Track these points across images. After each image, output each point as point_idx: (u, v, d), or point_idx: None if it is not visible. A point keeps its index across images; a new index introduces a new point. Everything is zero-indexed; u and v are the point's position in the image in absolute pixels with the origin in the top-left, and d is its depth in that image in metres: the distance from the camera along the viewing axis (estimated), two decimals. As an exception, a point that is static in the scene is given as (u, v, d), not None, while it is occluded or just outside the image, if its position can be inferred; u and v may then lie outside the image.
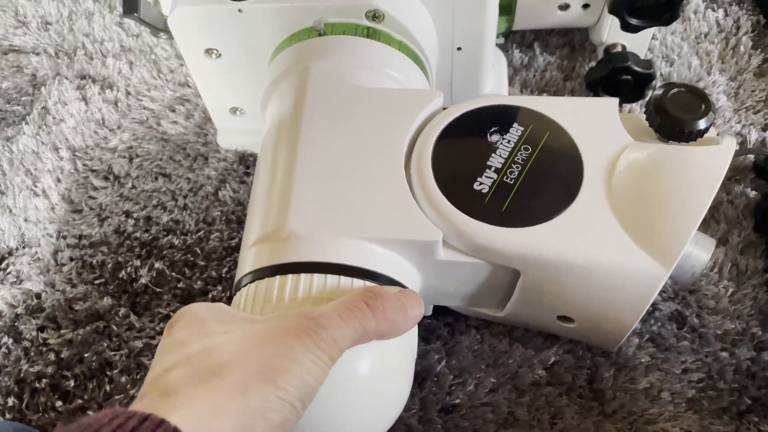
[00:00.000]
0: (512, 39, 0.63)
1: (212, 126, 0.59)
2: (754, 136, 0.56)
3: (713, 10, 0.63)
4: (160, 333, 0.49)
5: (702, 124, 0.39)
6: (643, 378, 0.45)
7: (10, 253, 0.54)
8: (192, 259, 0.52)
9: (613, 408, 0.44)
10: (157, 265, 0.52)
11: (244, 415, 0.25)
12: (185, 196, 0.56)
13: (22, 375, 0.48)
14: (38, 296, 0.51)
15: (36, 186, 0.57)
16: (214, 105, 0.55)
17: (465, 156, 0.39)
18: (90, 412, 0.46)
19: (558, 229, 0.36)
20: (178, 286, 0.51)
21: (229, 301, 0.49)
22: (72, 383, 0.47)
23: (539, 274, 0.37)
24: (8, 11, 0.69)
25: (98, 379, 0.47)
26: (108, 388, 0.47)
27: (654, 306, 0.47)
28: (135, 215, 0.55)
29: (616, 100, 0.41)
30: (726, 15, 0.63)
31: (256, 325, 0.29)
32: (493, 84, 0.56)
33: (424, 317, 0.45)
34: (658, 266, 0.35)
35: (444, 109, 0.42)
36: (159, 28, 0.50)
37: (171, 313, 0.50)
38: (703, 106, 0.40)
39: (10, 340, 0.49)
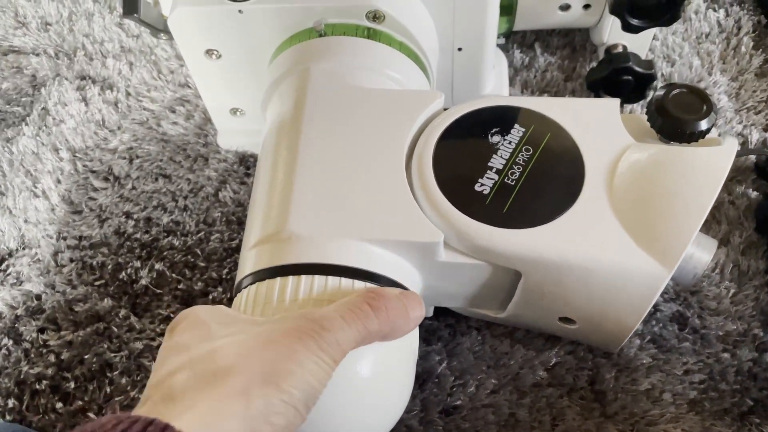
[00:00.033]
0: (513, 39, 0.63)
1: (212, 127, 0.59)
2: (755, 136, 0.56)
3: (714, 10, 0.63)
4: (161, 334, 0.49)
5: (704, 124, 0.39)
6: (645, 379, 0.45)
7: (10, 255, 0.54)
8: (192, 260, 0.52)
9: (614, 409, 0.44)
10: (157, 266, 0.52)
11: (248, 419, 0.25)
12: (185, 197, 0.56)
13: (22, 376, 0.48)
14: (38, 297, 0.51)
15: (36, 187, 0.57)
16: (215, 106, 0.55)
17: (466, 157, 0.39)
18: (90, 414, 0.46)
19: (559, 231, 0.36)
20: (179, 287, 0.51)
21: (229, 302, 0.49)
22: (72, 385, 0.47)
23: (541, 276, 0.37)
24: (8, 12, 0.69)
25: (98, 381, 0.47)
26: (108, 390, 0.47)
27: (655, 307, 0.47)
28: (135, 216, 0.55)
29: (617, 101, 0.41)
30: (727, 15, 0.63)
31: (258, 328, 0.29)
32: (494, 85, 0.56)
33: (425, 318, 0.45)
34: (659, 267, 0.35)
35: (445, 109, 0.42)
36: (159, 28, 0.50)
37: (171, 315, 0.50)
38: (705, 107, 0.40)
39: (10, 342, 0.49)
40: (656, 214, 0.36)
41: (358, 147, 0.39)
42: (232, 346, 0.28)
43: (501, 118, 0.41)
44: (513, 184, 0.38)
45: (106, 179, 0.57)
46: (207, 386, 0.26)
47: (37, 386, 0.47)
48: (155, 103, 0.61)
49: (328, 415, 0.32)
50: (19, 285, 0.52)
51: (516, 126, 0.40)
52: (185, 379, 0.26)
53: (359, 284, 0.35)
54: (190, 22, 0.45)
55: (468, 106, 0.41)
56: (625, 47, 0.56)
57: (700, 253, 0.40)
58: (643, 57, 0.56)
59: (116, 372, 0.47)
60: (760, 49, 0.61)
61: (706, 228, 0.51)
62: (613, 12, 0.51)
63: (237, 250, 0.52)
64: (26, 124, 0.61)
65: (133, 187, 0.57)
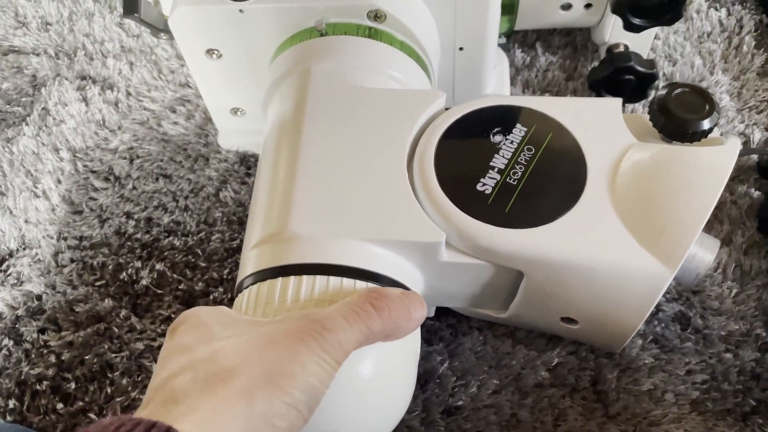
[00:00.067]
0: (514, 39, 0.63)
1: (213, 127, 0.58)
2: (757, 135, 0.56)
3: (716, 9, 0.63)
4: (162, 335, 0.49)
5: (706, 124, 0.39)
6: (647, 379, 0.45)
7: (11, 255, 0.54)
8: (193, 260, 0.52)
9: (616, 410, 0.44)
10: (158, 266, 0.52)
11: (251, 421, 0.25)
12: (186, 197, 0.55)
13: (22, 377, 0.48)
14: (39, 298, 0.51)
15: (36, 187, 0.57)
16: (215, 106, 0.54)
17: (468, 157, 0.39)
18: (91, 415, 0.46)
19: (561, 230, 0.36)
20: (180, 287, 0.51)
21: (230, 302, 0.49)
22: (73, 385, 0.47)
23: (543, 276, 0.37)
24: (8, 12, 0.69)
25: (99, 381, 0.47)
26: (109, 390, 0.47)
27: (657, 307, 0.47)
28: (136, 216, 0.55)
29: (619, 101, 0.41)
30: (729, 14, 0.63)
31: (259, 329, 0.29)
32: (495, 84, 0.56)
33: (427, 318, 0.45)
34: (662, 267, 0.35)
35: (446, 109, 0.42)
36: (159, 28, 0.50)
37: (172, 315, 0.50)
38: (707, 106, 0.40)
39: (11, 342, 0.49)
40: (659, 214, 0.36)
41: (359, 147, 0.39)
42: (234, 347, 0.28)
43: (503, 117, 0.41)
44: (515, 183, 0.38)
45: (106, 179, 0.57)
46: (209, 388, 0.26)
47: (38, 387, 0.47)
48: (156, 103, 0.61)
49: (330, 415, 0.32)
50: (20, 285, 0.52)
51: (518, 126, 0.40)
52: (187, 381, 0.26)
53: (361, 284, 0.34)
54: (190, 21, 0.45)
55: (469, 105, 0.41)
56: (626, 46, 0.56)
57: (703, 253, 0.40)
58: (645, 56, 0.56)
59: (117, 372, 0.47)
60: (762, 48, 0.61)
61: (708, 228, 0.51)
62: (614, 11, 0.51)
63: (238, 250, 0.52)
64: (26, 124, 0.61)
65: (134, 187, 0.56)
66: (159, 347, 0.48)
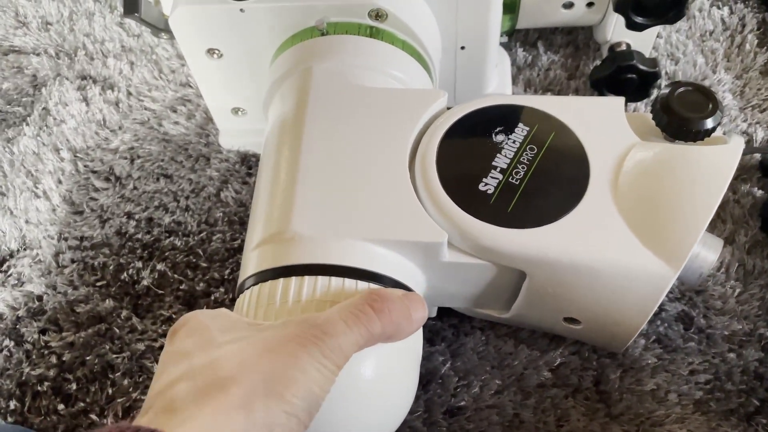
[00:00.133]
0: (516, 38, 0.63)
1: (214, 126, 0.58)
2: (760, 134, 0.55)
3: (718, 8, 0.63)
4: (163, 335, 0.49)
5: (709, 123, 0.39)
6: (650, 379, 0.44)
7: (11, 255, 0.54)
8: (194, 260, 0.52)
9: (619, 410, 0.44)
10: (159, 266, 0.52)
11: (249, 430, 0.25)
12: (187, 197, 0.55)
13: (23, 378, 0.47)
14: (39, 298, 0.51)
15: (37, 187, 0.57)
16: (216, 105, 0.54)
17: (470, 156, 0.39)
18: (92, 415, 0.46)
19: (564, 230, 0.36)
20: (181, 287, 0.51)
21: (232, 302, 0.49)
22: (74, 386, 0.47)
23: (545, 276, 0.37)
24: (8, 12, 0.69)
25: (100, 382, 0.47)
26: (110, 391, 0.47)
27: (660, 307, 0.47)
28: (136, 216, 0.55)
29: (622, 99, 0.41)
30: (731, 13, 0.63)
31: (260, 334, 0.29)
32: (497, 83, 0.56)
33: (429, 319, 0.44)
34: (665, 267, 0.35)
35: (448, 108, 0.42)
36: (160, 28, 0.50)
37: (173, 315, 0.50)
38: (711, 105, 0.39)
39: (12, 343, 0.49)
40: (662, 214, 0.36)
41: (360, 146, 0.39)
42: (234, 354, 0.27)
43: (505, 117, 0.40)
44: (517, 183, 0.38)
45: (107, 179, 0.57)
46: (208, 398, 0.26)
47: (39, 388, 0.47)
48: (156, 103, 0.61)
49: (332, 417, 0.32)
50: (21, 286, 0.52)
51: (520, 125, 0.40)
52: (186, 389, 0.26)
53: (362, 285, 0.34)
54: (191, 21, 0.45)
55: (471, 105, 0.41)
56: (628, 45, 0.56)
57: (706, 253, 0.40)
58: (647, 55, 0.56)
59: (118, 373, 0.47)
60: (765, 47, 0.61)
61: (711, 227, 0.51)
62: (616, 10, 0.51)
63: (239, 250, 0.52)
64: (27, 125, 0.61)
65: (135, 188, 0.56)
66: (160, 348, 0.48)
